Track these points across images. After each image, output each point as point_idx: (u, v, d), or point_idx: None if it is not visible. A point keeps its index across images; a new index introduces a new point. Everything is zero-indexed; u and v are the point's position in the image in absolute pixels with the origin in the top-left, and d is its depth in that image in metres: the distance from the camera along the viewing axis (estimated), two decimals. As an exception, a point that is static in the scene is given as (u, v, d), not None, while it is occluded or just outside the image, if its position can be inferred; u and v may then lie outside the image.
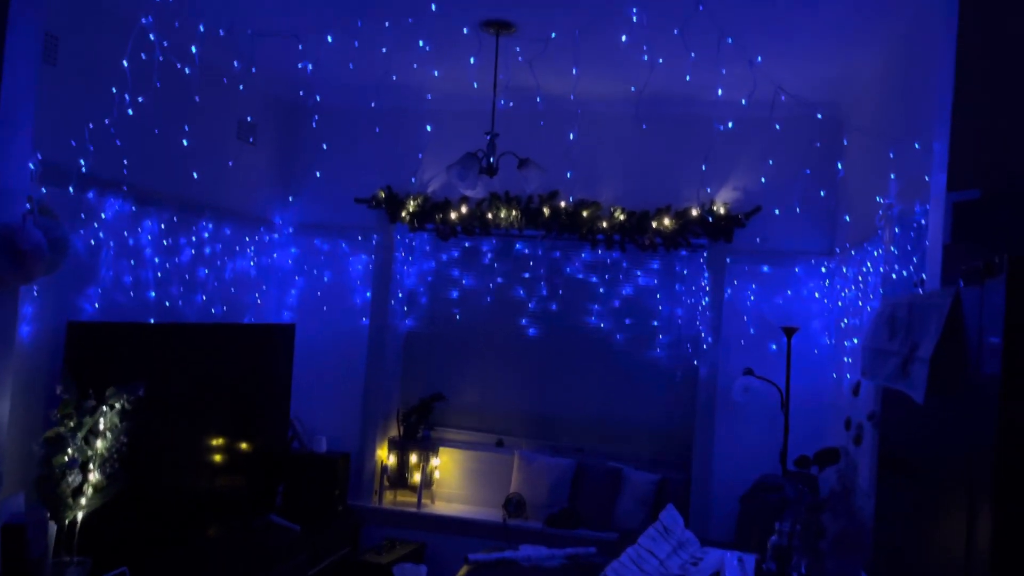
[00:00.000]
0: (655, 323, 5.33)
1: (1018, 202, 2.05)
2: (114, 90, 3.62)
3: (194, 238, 4.67)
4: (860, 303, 3.79)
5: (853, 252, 4.07)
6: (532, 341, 5.50)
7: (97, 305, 3.91)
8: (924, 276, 2.44)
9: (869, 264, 3.61)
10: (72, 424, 3.17)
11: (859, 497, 2.39)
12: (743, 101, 4.06)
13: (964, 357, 1.63)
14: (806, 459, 2.45)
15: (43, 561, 2.92)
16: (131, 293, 4.14)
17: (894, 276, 3.08)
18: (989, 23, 2.27)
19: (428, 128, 5.14)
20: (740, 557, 2.72)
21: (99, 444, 3.23)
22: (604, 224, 5.13)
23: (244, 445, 4.72)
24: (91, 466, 3.23)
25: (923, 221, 2.76)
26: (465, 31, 3.87)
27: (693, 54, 3.43)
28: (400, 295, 5.65)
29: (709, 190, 5.00)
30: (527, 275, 5.51)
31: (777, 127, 4.33)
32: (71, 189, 3.58)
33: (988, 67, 2.23)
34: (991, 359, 1.47)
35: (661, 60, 3.68)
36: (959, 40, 2.29)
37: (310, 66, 4.06)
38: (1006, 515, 1.41)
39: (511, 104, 4.31)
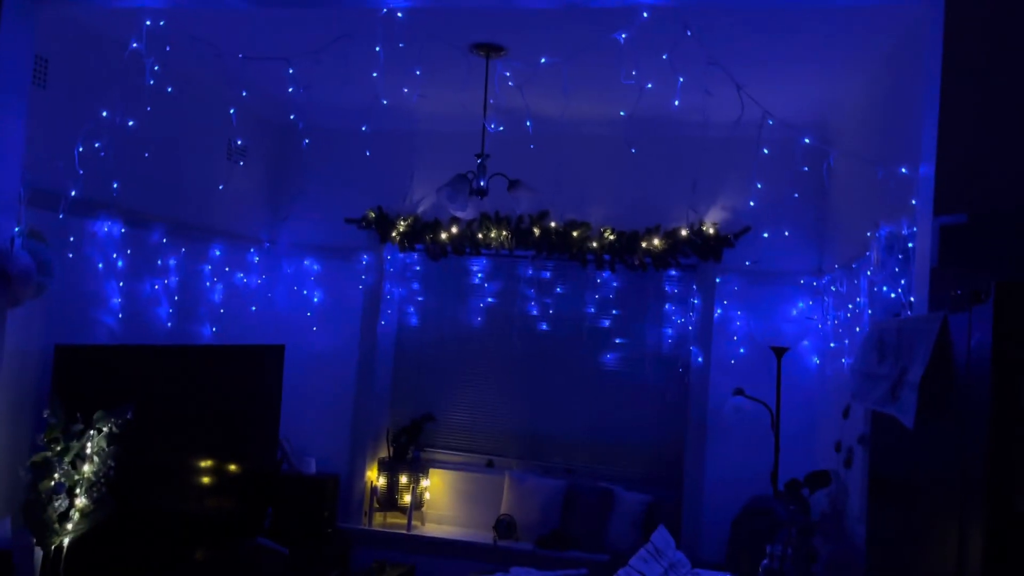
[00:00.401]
0: (646, 343, 5.33)
1: (1004, 225, 2.07)
2: (104, 113, 3.62)
3: (184, 259, 4.66)
4: (849, 324, 3.81)
5: (842, 273, 4.10)
6: (522, 361, 5.49)
7: (86, 328, 3.89)
8: (912, 299, 2.45)
9: (858, 285, 3.63)
10: (59, 448, 3.15)
11: (850, 520, 2.39)
12: (732, 123, 4.09)
13: (952, 382, 1.64)
14: (796, 482, 2.45)
15: (28, 588, 2.88)
16: (120, 315, 4.12)
17: (883, 298, 3.10)
18: (974, 48, 2.31)
19: (417, 150, 5.16)
20: (731, 581, 2.71)
21: (86, 468, 3.20)
22: (594, 244, 5.14)
23: (233, 467, 4.68)
24: (78, 491, 3.20)
25: (911, 244, 2.79)
26: (455, 54, 3.90)
27: (681, 79, 3.46)
28: (390, 315, 5.64)
29: (698, 211, 5.02)
30: (517, 295, 5.51)
31: (766, 151, 4.36)
32: (60, 213, 3.57)
33: (973, 90, 2.26)
34: (979, 385, 1.48)
35: (650, 84, 3.71)
36: (944, 64, 2.32)
37: (301, 90, 4.08)
38: (995, 539, 1.42)
39: (501, 127, 4.33)
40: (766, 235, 4.92)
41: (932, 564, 1.73)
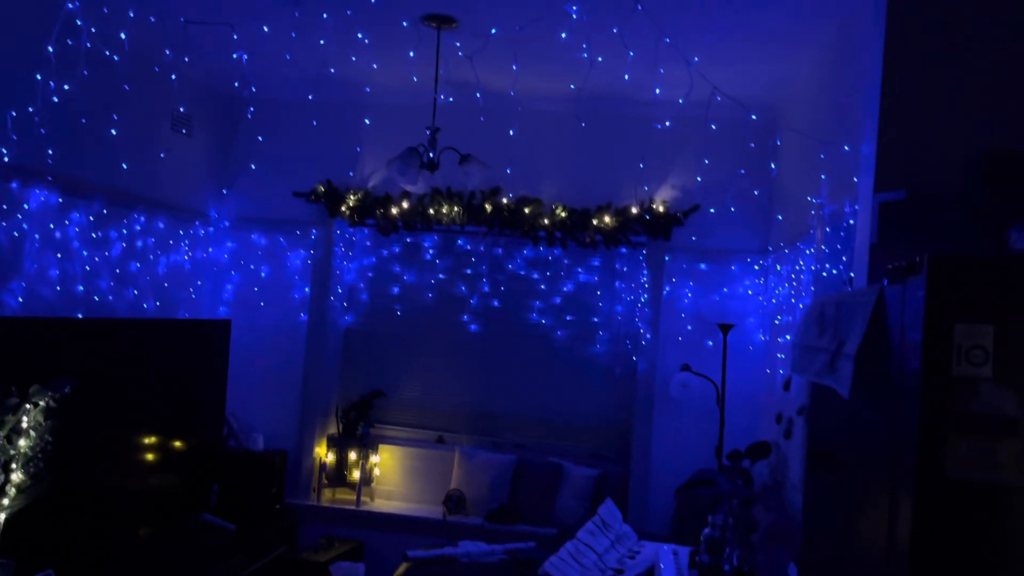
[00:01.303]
0: (595, 320, 5.38)
1: (941, 202, 2.13)
2: (38, 77, 3.49)
3: (125, 231, 4.54)
4: (793, 300, 3.89)
5: (787, 251, 4.17)
6: (473, 337, 5.49)
7: (21, 300, 3.77)
8: (852, 275, 2.51)
9: (802, 262, 3.70)
10: (-7, 423, 3.05)
11: (789, 490, 2.45)
12: (680, 100, 4.12)
13: (887, 353, 1.68)
14: (738, 453, 2.51)
15: (-39, 565, 2.80)
16: (58, 287, 4.01)
17: (825, 275, 3.16)
18: (916, 28, 2.35)
19: (367, 122, 5.09)
20: (675, 550, 2.76)
21: (22, 443, 3.12)
22: (546, 221, 5.15)
23: (178, 443, 4.61)
24: (14, 465, 3.11)
25: (852, 221, 2.84)
26: (405, 24, 3.84)
27: (632, 53, 3.47)
28: (340, 291, 5.59)
29: (648, 188, 5.06)
30: (469, 271, 5.50)
31: (714, 127, 4.41)
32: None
33: (914, 72, 2.30)
34: (912, 355, 1.52)
35: (601, 58, 3.71)
36: (887, 45, 2.36)
37: (245, 57, 3.98)
38: (925, 504, 1.46)
39: (452, 99, 4.29)
40: (713, 211, 4.98)
41: (865, 532, 1.78)
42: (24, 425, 3.11)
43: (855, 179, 2.56)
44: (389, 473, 5.51)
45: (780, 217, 4.54)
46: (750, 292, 5.00)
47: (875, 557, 1.67)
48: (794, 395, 2.95)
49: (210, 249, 5.46)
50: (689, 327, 5.09)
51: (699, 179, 4.79)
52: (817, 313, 2.15)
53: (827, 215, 3.20)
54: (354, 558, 5.09)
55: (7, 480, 3.09)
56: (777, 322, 4.41)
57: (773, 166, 4.73)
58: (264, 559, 4.79)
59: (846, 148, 2.76)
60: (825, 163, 3.08)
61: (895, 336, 1.64)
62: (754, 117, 3.65)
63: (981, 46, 2.26)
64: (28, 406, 3.14)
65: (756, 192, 4.87)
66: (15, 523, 3.17)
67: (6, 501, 3.10)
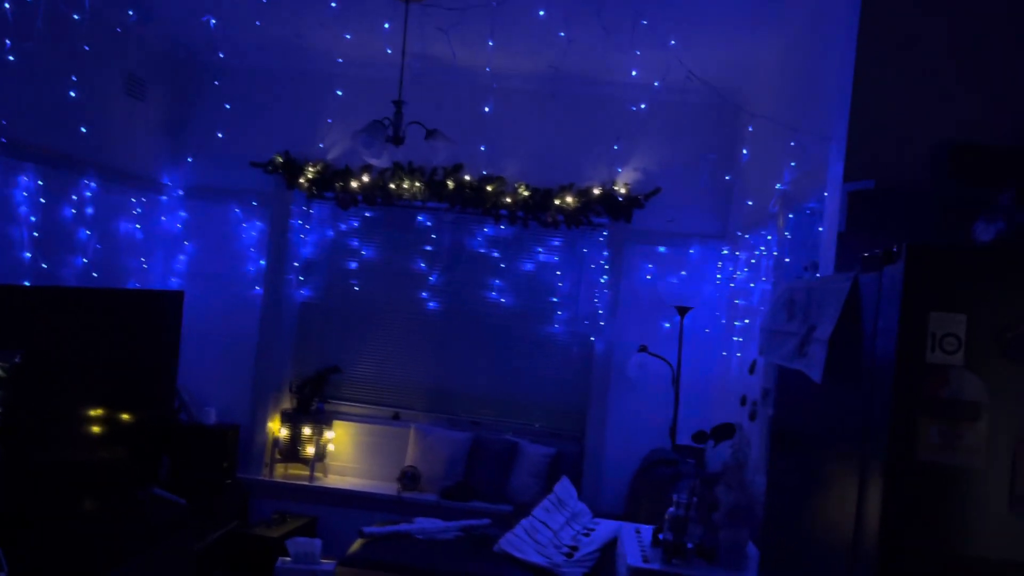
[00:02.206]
0: (554, 299, 5.40)
1: (908, 193, 2.18)
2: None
3: (75, 197, 4.39)
4: (752, 285, 3.96)
5: (747, 236, 4.24)
6: (431, 314, 5.47)
7: (-33, 265, 3.64)
8: (817, 261, 2.56)
9: (762, 248, 3.76)
10: (-61, 392, 2.94)
11: (752, 471, 2.51)
12: (655, 84, 4.15)
13: (859, 339, 1.72)
14: (703, 434, 2.56)
15: (-96, 539, 2.70)
16: (2, 254, 3.87)
17: (787, 260, 3.22)
18: (889, 16, 2.39)
19: (339, 92, 5.00)
20: (637, 528, 2.81)
21: (-31, 414, 3.01)
22: (508, 200, 5.14)
23: (127, 416, 4.50)
24: (-40, 437, 3.01)
25: (817, 207, 2.90)
26: (374, -5, 3.78)
27: (606, 32, 3.46)
28: (296, 264, 5.50)
29: (620, 170, 5.07)
30: (428, 248, 5.47)
31: (679, 111, 4.45)
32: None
33: (886, 62, 2.35)
34: (886, 342, 1.56)
35: (562, 33, 3.69)
36: (860, 32, 2.39)
37: (213, 21, 3.86)
38: (895, 489, 1.51)
39: (424, 72, 4.23)
40: (675, 195, 5.04)
41: (830, 511, 1.83)
42: (-28, 395, 3.01)
43: (823, 168, 2.61)
44: (344, 449, 5.48)
45: (741, 203, 4.60)
46: (708, 276, 5.08)
47: (841, 537, 1.72)
48: (758, 378, 3.02)
49: (163, 218, 5.32)
50: (647, 308, 5.14)
51: (662, 163, 4.83)
52: (786, 298, 2.19)
53: (790, 201, 3.25)
54: (307, 533, 5.05)
55: (-47, 451, 2.99)
56: (737, 303, 4.49)
57: (737, 153, 4.79)
58: (216, 533, 4.73)
59: (814, 136, 2.81)
60: (792, 150, 3.13)
61: (868, 323, 1.68)
62: (722, 100, 3.67)
63: (952, 39, 2.32)
64: (-24, 376, 3.03)
65: (718, 177, 4.93)
66: (-40, 496, 3.07)
67: (-48, 473, 2.99)
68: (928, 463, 1.49)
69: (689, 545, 2.50)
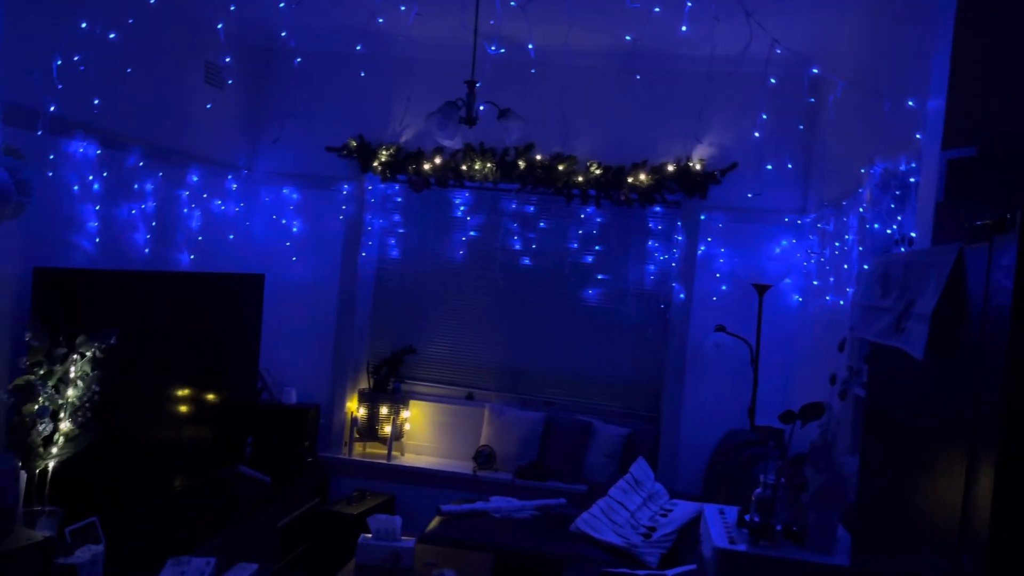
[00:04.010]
0: (628, 278, 5.34)
1: (1014, 159, 2.06)
2: (84, 25, 3.44)
3: (162, 184, 4.53)
4: (836, 261, 3.83)
5: (830, 210, 4.10)
6: (504, 295, 5.48)
7: (63, 251, 3.78)
8: (913, 235, 2.46)
9: (847, 222, 3.63)
10: (42, 372, 3.08)
11: (840, 451, 2.44)
12: (734, 54, 4.02)
13: (964, 315, 1.64)
14: (791, 414, 2.49)
15: (14, 510, 2.85)
16: (97, 239, 4.01)
17: (875, 234, 3.10)
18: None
19: (412, 75, 5.02)
20: (721, 509, 2.76)
21: (70, 393, 3.15)
22: (580, 178, 5.09)
23: (213, 396, 4.65)
24: (62, 415, 3.15)
25: (909, 177, 2.78)
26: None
27: (689, 4, 3.37)
28: (371, 246, 5.57)
29: (700, 142, 4.95)
30: (501, 229, 5.46)
31: (758, 83, 4.32)
32: (39, 130, 3.42)
33: (989, 20, 2.21)
34: (998, 318, 1.48)
35: (649, 11, 3.62)
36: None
37: (293, 5, 3.90)
38: (1007, 475, 1.43)
39: (496, 52, 4.20)
40: (753, 169, 4.91)
41: (932, 497, 1.76)
42: (72, 375, 3.14)
43: (918, 135, 2.50)
44: (419, 428, 5.55)
45: (823, 177, 4.46)
46: (788, 252, 4.94)
47: (945, 524, 1.65)
48: (848, 356, 2.92)
49: (243, 203, 5.44)
50: (724, 287, 5.05)
51: (739, 137, 4.71)
52: (881, 273, 2.10)
53: (879, 173, 3.13)
54: (386, 511, 5.13)
55: (56, 429, 3.13)
56: (816, 284, 4.36)
57: (818, 124, 4.63)
58: (298, 510, 4.86)
59: (910, 103, 2.68)
60: (882, 118, 3.00)
61: (975, 297, 1.60)
62: (815, 70, 3.53)
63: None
64: (75, 356, 3.16)
65: (799, 150, 4.78)
66: (61, 473, 3.22)
67: (55, 450, 3.14)
68: (1044, 448, 1.41)
69: (777, 527, 2.44)
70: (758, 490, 2.45)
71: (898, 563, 1.97)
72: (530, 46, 4.14)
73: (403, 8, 4.12)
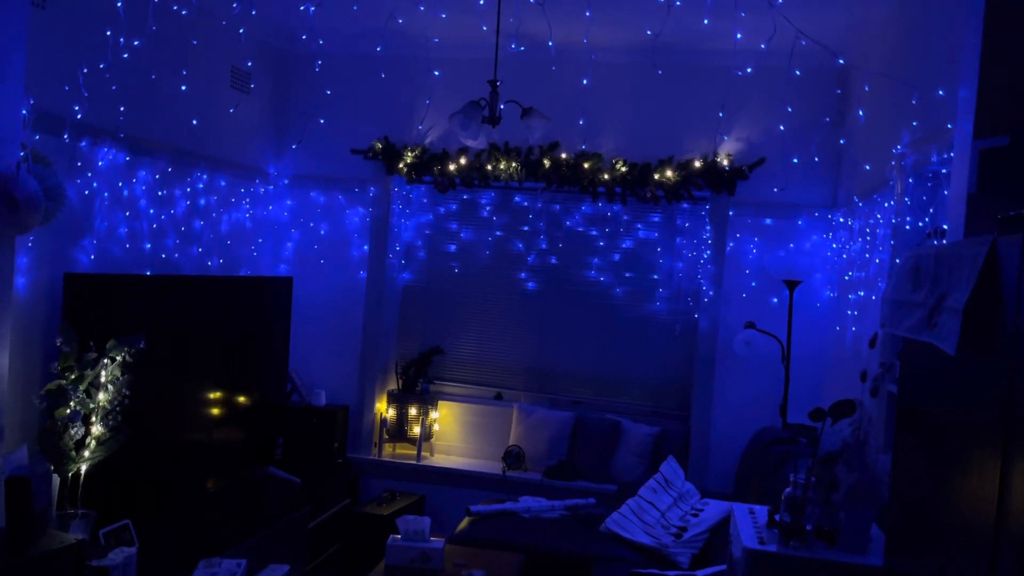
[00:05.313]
0: (655, 276, 5.30)
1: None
2: (108, 33, 3.48)
3: (189, 189, 4.58)
4: (867, 255, 3.76)
5: (860, 204, 4.03)
6: (531, 294, 5.46)
7: (92, 256, 3.83)
8: (945, 227, 2.40)
9: (878, 215, 3.56)
10: (73, 377, 3.12)
11: (873, 449, 2.39)
12: (760, 47, 3.97)
13: (998, 310, 1.59)
14: (821, 411, 2.44)
15: (48, 513, 2.89)
16: (127, 244, 4.06)
17: (907, 227, 3.04)
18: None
19: (436, 74, 5.02)
20: (751, 509, 2.72)
21: (101, 397, 3.19)
22: (605, 176, 5.06)
23: (243, 398, 4.69)
24: (93, 419, 3.19)
25: (941, 168, 2.72)
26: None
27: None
28: (397, 248, 5.59)
29: (726, 137, 4.90)
30: (526, 228, 5.45)
31: (784, 76, 4.25)
32: (66, 137, 3.47)
33: (1019, 6, 2.15)
34: (1034, 310, 1.43)
35: (672, 4, 3.58)
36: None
37: (312, 8, 3.92)
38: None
39: (519, 50, 4.18)
40: (781, 164, 4.84)
41: (966, 492, 1.71)
42: (102, 379, 3.18)
43: (949, 125, 2.43)
44: (448, 429, 5.55)
45: (852, 170, 4.38)
46: (818, 248, 4.87)
47: (980, 523, 1.60)
48: (880, 352, 2.87)
49: (270, 207, 5.49)
50: (753, 283, 4.98)
51: (766, 131, 4.64)
52: (911, 267, 2.05)
53: (910, 165, 3.06)
54: (416, 511, 5.15)
55: (87, 433, 3.17)
56: (847, 278, 4.28)
57: (846, 117, 4.56)
58: (329, 511, 4.89)
59: (940, 92, 2.62)
60: (912, 109, 2.93)
61: (1010, 290, 1.55)
62: (841, 62, 3.47)
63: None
64: (106, 360, 3.20)
65: (827, 143, 4.70)
66: (94, 476, 3.26)
67: (87, 453, 3.18)
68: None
69: (808, 527, 2.40)
70: (788, 489, 2.41)
71: (932, 563, 1.92)
72: (550, 43, 4.11)
73: (423, 8, 4.12)
